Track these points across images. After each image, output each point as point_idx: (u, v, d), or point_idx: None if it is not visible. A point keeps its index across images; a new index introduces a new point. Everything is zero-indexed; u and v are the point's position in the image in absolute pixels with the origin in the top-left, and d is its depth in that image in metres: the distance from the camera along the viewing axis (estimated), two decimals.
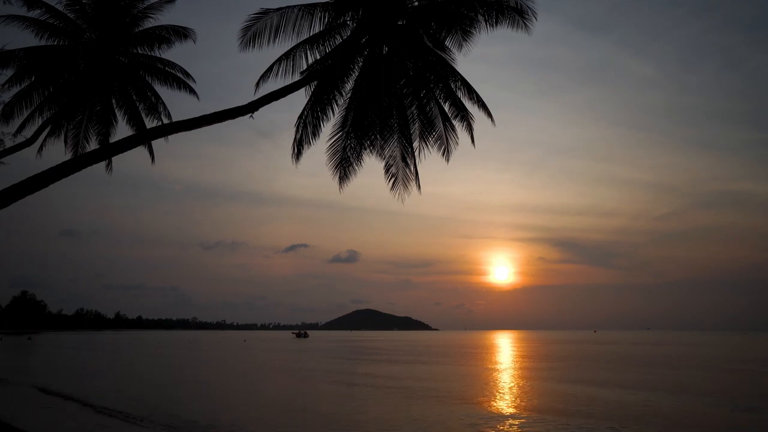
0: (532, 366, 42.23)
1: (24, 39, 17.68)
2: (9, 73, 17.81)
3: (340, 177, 15.30)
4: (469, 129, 15.33)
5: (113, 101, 19.47)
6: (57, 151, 19.44)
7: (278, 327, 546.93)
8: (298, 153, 14.93)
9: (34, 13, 17.51)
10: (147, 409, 20.82)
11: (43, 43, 17.87)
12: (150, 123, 19.48)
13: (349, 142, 15.14)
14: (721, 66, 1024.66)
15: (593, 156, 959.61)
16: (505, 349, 79.56)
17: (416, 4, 14.29)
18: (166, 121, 19.45)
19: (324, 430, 17.34)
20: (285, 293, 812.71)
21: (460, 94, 15.12)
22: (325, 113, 14.95)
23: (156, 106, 19.52)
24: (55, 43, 17.97)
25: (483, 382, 29.05)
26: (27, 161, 18.01)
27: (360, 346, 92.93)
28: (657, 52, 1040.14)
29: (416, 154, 15.48)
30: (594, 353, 68.56)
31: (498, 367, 42.02)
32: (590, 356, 61.16)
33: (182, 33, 18.35)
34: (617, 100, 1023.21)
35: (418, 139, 15.44)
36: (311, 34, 14.32)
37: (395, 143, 15.36)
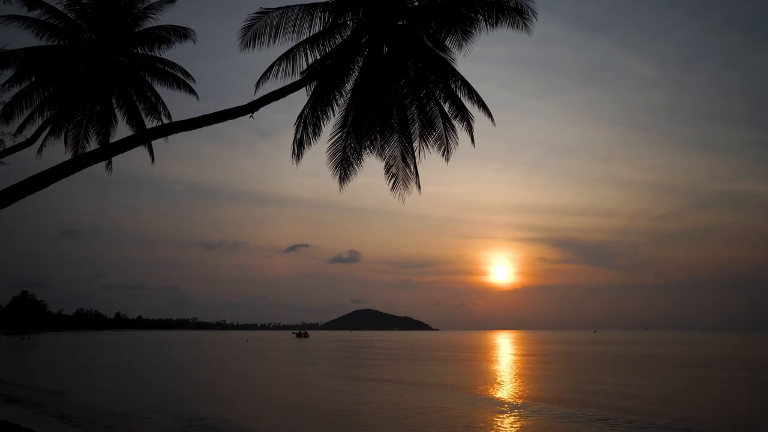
0: (517, 372, 42.18)
1: (24, 39, 17.71)
2: (9, 73, 17.85)
3: (340, 177, 15.31)
4: (469, 129, 15.33)
5: (113, 101, 19.48)
6: (57, 151, 19.48)
7: (278, 327, 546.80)
8: (298, 153, 14.93)
9: (34, 13, 17.54)
10: (146, 409, 20.83)
11: (43, 43, 17.89)
12: (150, 123, 19.49)
13: (349, 142, 15.14)
14: (721, 66, 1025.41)
15: (593, 156, 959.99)
16: (499, 352, 79.66)
17: (416, 4, 14.29)
18: (166, 121, 19.46)
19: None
20: (285, 293, 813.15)
21: (460, 94, 15.13)
22: (325, 113, 14.96)
23: (156, 106, 19.53)
24: (55, 43, 17.98)
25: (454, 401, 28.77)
26: (27, 161, 18.05)
27: (359, 347, 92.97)
28: (657, 52, 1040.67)
29: (416, 154, 15.49)
30: (586, 354, 68.60)
31: (490, 370, 42.05)
32: (580, 359, 61.21)
33: (182, 33, 18.36)
34: (617, 100, 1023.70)
35: (418, 139, 15.45)
36: (311, 34, 14.33)
37: (395, 143, 15.37)
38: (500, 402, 21.84)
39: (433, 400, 23.39)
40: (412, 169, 15.59)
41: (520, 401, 21.97)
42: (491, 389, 26.36)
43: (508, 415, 19.17)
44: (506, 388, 26.72)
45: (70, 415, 19.88)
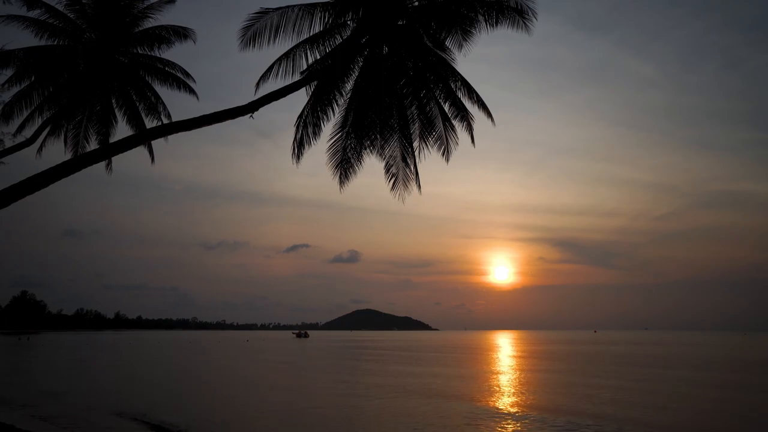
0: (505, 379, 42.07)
1: (24, 39, 17.70)
2: (9, 73, 17.83)
3: (340, 177, 15.29)
4: (469, 129, 15.32)
5: (113, 101, 19.47)
6: (57, 151, 19.46)
7: (278, 327, 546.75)
8: (298, 153, 14.93)
9: (34, 13, 17.53)
10: (146, 410, 20.80)
11: (43, 43, 17.87)
12: (150, 123, 19.48)
13: (349, 142, 15.13)
14: (721, 66, 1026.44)
15: (593, 156, 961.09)
16: (499, 353, 79.67)
17: (416, 4, 14.28)
18: (166, 121, 19.44)
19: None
20: (285, 293, 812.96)
21: (460, 94, 15.12)
22: (325, 113, 14.95)
23: (156, 106, 19.51)
24: (55, 43, 17.96)
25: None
26: (27, 161, 18.03)
27: (359, 348, 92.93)
28: (657, 52, 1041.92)
29: (416, 154, 15.49)
30: (586, 354, 68.62)
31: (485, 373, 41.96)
32: (581, 359, 61.25)
33: (182, 33, 18.34)
34: (617, 100, 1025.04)
35: (418, 139, 15.44)
36: (311, 33, 14.32)
37: (395, 143, 15.36)
38: (499, 411, 21.33)
39: (431, 406, 23.36)
40: (412, 169, 15.58)
41: (519, 410, 21.42)
42: (489, 396, 26.09)
43: (507, 425, 18.83)
44: (506, 395, 26.43)
45: (68, 415, 19.85)
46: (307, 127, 14.86)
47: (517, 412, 20.66)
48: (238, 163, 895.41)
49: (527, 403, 22.75)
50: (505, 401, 23.65)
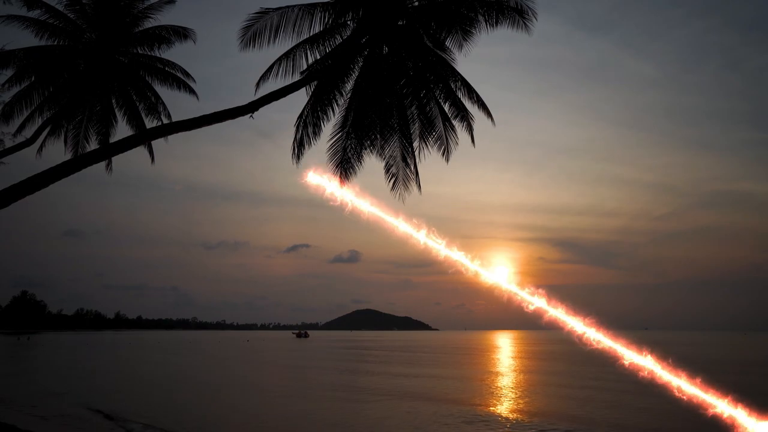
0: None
1: (24, 39, 17.70)
2: (9, 73, 17.83)
3: (340, 177, 15.29)
4: (469, 129, 15.33)
5: (113, 101, 19.47)
6: (57, 151, 19.46)
7: (278, 327, 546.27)
8: (298, 153, 14.94)
9: (34, 13, 17.53)
10: (145, 410, 20.79)
11: (43, 43, 17.87)
12: (150, 123, 19.48)
13: (349, 142, 15.13)
14: (721, 66, 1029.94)
15: (593, 156, 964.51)
16: (499, 353, 79.73)
17: (416, 4, 14.29)
18: (166, 121, 19.44)
19: None
20: (285, 293, 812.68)
21: (460, 94, 15.12)
22: (325, 113, 14.95)
23: (156, 106, 19.51)
24: (55, 43, 17.96)
25: None
26: (27, 161, 18.03)
27: (359, 348, 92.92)
28: (657, 52, 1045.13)
29: (416, 154, 15.49)
30: (587, 354, 68.51)
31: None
32: (581, 359, 61.15)
33: (182, 33, 18.35)
34: (617, 100, 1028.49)
35: (418, 139, 15.44)
36: (311, 34, 14.33)
37: (395, 143, 15.36)
38: (499, 415, 21.05)
39: (432, 409, 23.34)
40: (412, 169, 15.58)
41: (518, 415, 21.04)
42: (489, 398, 25.90)
43: (507, 429, 18.63)
44: (505, 398, 26.20)
45: (68, 415, 19.86)
46: (307, 127, 14.87)
47: (516, 416, 20.63)
48: (238, 163, 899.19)
49: (526, 408, 22.69)
50: (505, 405, 23.65)
